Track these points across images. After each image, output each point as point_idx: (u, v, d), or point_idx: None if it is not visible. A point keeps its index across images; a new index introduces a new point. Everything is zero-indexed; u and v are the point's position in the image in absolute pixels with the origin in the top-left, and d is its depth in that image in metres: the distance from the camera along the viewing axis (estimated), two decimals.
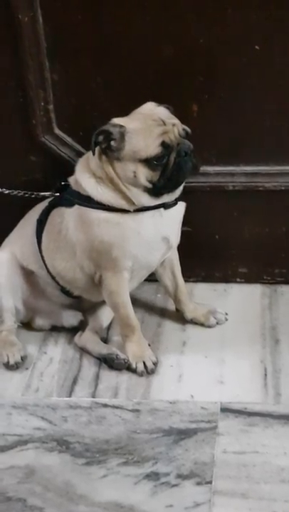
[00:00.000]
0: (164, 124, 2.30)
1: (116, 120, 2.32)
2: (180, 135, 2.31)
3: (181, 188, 2.41)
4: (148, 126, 2.29)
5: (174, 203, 2.42)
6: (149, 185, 2.32)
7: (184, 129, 2.33)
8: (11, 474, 2.24)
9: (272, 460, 2.20)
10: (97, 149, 2.32)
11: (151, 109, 2.36)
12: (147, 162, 2.29)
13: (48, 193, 2.59)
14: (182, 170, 2.31)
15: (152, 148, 2.27)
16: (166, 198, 2.38)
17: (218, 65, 2.49)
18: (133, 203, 2.35)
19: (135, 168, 2.30)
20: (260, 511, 2.06)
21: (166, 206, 2.40)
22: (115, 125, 2.29)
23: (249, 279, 2.90)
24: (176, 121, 2.33)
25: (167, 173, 2.30)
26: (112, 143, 2.29)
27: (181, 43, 2.45)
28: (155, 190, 2.33)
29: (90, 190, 2.39)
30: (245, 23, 2.40)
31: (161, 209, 2.39)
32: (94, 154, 2.33)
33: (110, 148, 2.30)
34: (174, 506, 2.10)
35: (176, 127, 2.31)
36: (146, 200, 2.35)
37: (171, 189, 2.36)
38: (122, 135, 2.28)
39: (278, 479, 2.14)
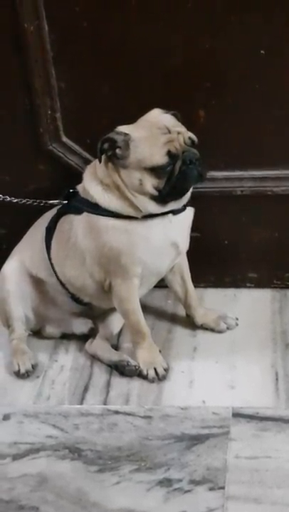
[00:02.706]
0: (169, 132, 2.29)
1: (121, 128, 2.32)
2: (186, 143, 2.31)
3: (188, 195, 2.40)
4: (153, 134, 2.29)
5: (183, 209, 2.42)
6: (155, 193, 2.31)
7: (189, 137, 2.32)
8: (24, 482, 2.24)
9: (284, 465, 2.19)
10: (103, 157, 2.32)
11: (156, 116, 2.36)
12: (153, 170, 2.29)
13: (57, 201, 2.59)
14: (187, 178, 2.31)
15: (158, 158, 2.27)
16: (173, 205, 2.38)
17: (224, 70, 2.49)
18: (140, 210, 2.35)
19: (141, 176, 2.30)
20: None
21: (174, 212, 2.40)
22: (120, 133, 2.30)
23: (259, 283, 2.90)
24: (182, 129, 2.33)
25: (172, 181, 2.30)
26: (118, 151, 2.29)
27: (187, 49, 2.45)
28: (161, 198, 2.33)
29: (97, 197, 2.39)
30: (250, 28, 2.40)
31: (170, 215, 2.39)
32: (100, 162, 2.34)
33: (116, 156, 2.30)
34: None
35: (181, 135, 2.31)
36: (153, 207, 2.35)
37: (176, 197, 2.36)
38: (127, 143, 2.28)
39: None
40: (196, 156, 2.31)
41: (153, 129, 2.31)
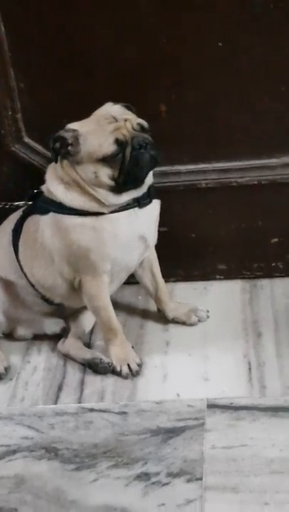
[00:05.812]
0: (116, 120, 2.31)
1: (70, 125, 2.34)
2: (134, 129, 2.32)
3: (147, 181, 2.40)
4: (100, 125, 2.31)
5: (149, 201, 2.42)
6: (112, 183, 2.32)
7: (138, 123, 2.33)
8: (1, 485, 2.24)
9: (260, 452, 2.20)
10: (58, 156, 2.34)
11: (106, 109, 2.38)
12: (105, 160, 2.29)
13: (22, 203, 2.59)
14: (140, 163, 2.31)
15: (106, 147, 2.28)
16: (134, 194, 2.38)
17: (183, 64, 2.49)
18: (104, 204, 2.35)
19: (95, 169, 2.31)
20: (252, 504, 2.06)
21: (140, 205, 2.40)
22: (68, 130, 2.32)
23: (228, 275, 2.90)
24: (130, 116, 2.34)
25: (125, 168, 2.30)
26: (69, 148, 2.30)
27: (144, 44, 2.45)
28: (119, 187, 2.33)
29: (60, 196, 2.39)
30: (206, 22, 2.40)
31: (136, 208, 2.40)
32: (56, 161, 2.35)
33: (69, 153, 2.32)
34: (166, 505, 2.10)
35: (129, 122, 2.31)
36: (114, 198, 2.35)
37: (133, 184, 2.35)
38: (76, 138, 2.30)
39: (268, 471, 2.14)
40: (146, 140, 2.31)
41: (100, 120, 2.32)
